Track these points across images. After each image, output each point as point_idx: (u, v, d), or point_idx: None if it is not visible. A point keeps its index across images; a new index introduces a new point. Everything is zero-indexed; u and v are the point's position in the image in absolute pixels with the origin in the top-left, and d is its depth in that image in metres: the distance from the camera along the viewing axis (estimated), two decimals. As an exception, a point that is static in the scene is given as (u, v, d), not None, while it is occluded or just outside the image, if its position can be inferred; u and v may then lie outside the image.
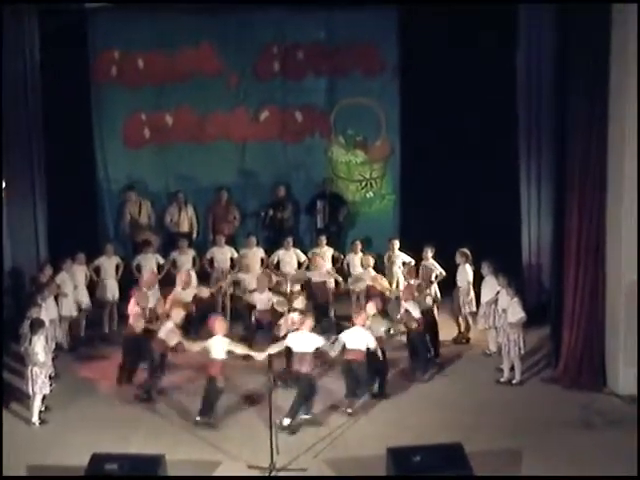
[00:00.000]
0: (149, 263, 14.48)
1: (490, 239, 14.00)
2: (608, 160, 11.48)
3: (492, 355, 13.03)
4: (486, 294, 13.01)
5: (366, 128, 15.88)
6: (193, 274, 14.18)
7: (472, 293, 13.55)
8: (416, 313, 12.13)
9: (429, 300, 12.87)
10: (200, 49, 15.36)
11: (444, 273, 13.70)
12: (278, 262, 14.73)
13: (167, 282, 14.01)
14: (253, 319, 12.84)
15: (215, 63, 15.44)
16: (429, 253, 14.03)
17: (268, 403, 9.79)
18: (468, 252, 13.54)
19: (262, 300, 12.93)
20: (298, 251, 14.86)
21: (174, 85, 15.45)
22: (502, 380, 12.18)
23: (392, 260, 14.52)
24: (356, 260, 14.65)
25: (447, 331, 13.70)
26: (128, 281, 14.22)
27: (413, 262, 14.16)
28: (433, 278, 13.70)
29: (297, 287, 13.61)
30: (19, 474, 9.57)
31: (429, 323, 12.61)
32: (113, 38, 15.20)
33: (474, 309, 13.53)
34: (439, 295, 13.63)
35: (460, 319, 13.77)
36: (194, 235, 15.63)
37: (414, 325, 12.03)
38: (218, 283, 14.25)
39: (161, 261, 14.65)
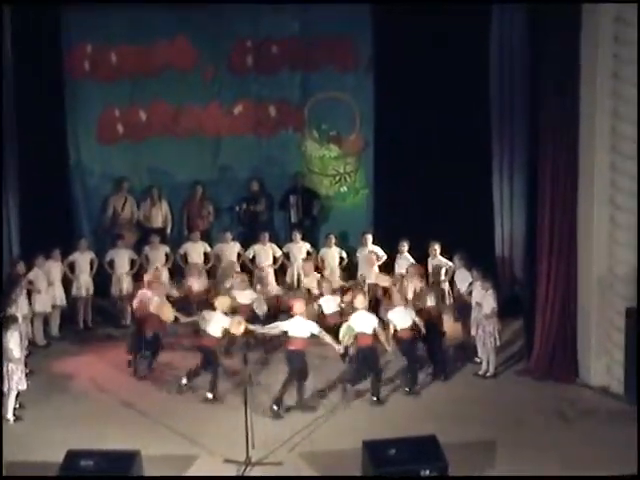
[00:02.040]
0: (122, 258, 14.48)
1: (463, 232, 14.06)
2: (580, 154, 11.60)
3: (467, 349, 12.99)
4: (459, 287, 13.15)
5: (340, 123, 15.81)
6: (165, 271, 14.35)
7: (447, 286, 13.66)
8: (404, 322, 11.78)
9: (430, 300, 12.52)
10: (175, 42, 15.19)
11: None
12: (254, 257, 14.79)
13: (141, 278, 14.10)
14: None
15: (190, 56, 15.29)
16: (404, 247, 14.10)
17: (244, 397, 9.84)
18: (438, 245, 13.72)
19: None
20: (274, 246, 14.89)
21: (148, 79, 15.31)
22: (480, 373, 12.26)
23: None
24: (330, 254, 14.73)
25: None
26: (103, 276, 14.32)
27: (385, 256, 14.32)
28: (443, 275, 13.68)
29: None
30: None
31: (429, 327, 12.13)
32: (86, 32, 15.01)
33: (448, 302, 13.62)
34: (447, 294, 13.67)
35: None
36: (168, 230, 15.52)
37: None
38: (187, 286, 14.21)
39: (134, 257, 14.63)
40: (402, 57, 14.56)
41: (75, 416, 10.98)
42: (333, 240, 14.84)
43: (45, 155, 14.68)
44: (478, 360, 12.48)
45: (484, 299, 12.09)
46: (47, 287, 13.57)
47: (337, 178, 16.18)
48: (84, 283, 14.24)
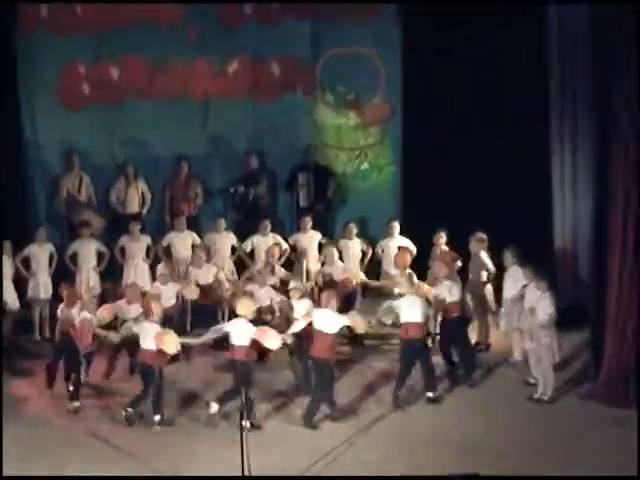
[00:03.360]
0: (87, 251, 14.51)
1: (514, 221, 14.19)
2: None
3: (517, 364, 13.08)
4: (509, 289, 13.11)
5: (360, 84, 15.92)
6: (146, 268, 14.54)
7: (491, 288, 13.66)
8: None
9: (455, 293, 12.85)
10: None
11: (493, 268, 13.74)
12: (252, 250, 14.84)
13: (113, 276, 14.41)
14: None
15: (172, 6, 15.56)
16: (441, 238, 14.15)
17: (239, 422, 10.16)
18: (485, 237, 13.67)
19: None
20: (278, 237, 14.90)
21: (120, 31, 15.52)
22: (535, 397, 12.22)
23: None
24: (349, 248, 14.81)
25: None
26: (62, 275, 14.24)
27: (415, 250, 14.42)
28: (485, 277, 13.86)
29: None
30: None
31: (451, 326, 12.62)
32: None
33: (494, 308, 13.64)
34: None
35: (477, 320, 13.84)
36: (144, 215, 15.73)
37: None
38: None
39: (102, 249, 14.67)
40: (437, 2, 14.53)
41: (32, 442, 11.21)
42: (354, 230, 14.88)
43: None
44: (532, 380, 12.45)
45: (539, 303, 12.07)
46: (-5, 288, 13.51)
47: (356, 152, 16.27)
48: (42, 282, 14.28)
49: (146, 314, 11.77)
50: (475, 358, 12.84)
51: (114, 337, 12.22)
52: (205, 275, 13.99)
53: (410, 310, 12.04)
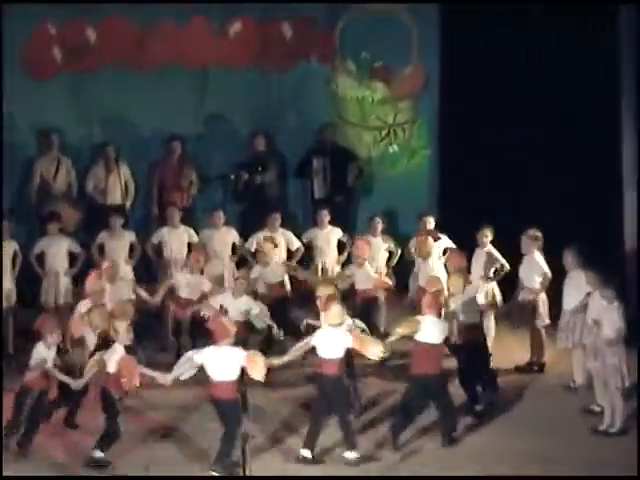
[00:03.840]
0: (57, 251, 14.12)
1: (575, 216, 14.17)
2: None
3: (578, 389, 12.71)
4: (570, 298, 12.75)
5: (389, 49, 15.72)
6: (128, 270, 14.08)
7: (545, 296, 13.32)
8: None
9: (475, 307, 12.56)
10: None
11: (507, 266, 13.64)
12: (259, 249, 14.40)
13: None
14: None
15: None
16: (486, 237, 13.77)
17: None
18: (540, 235, 13.30)
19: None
20: (289, 234, 14.62)
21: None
22: (601, 428, 11.69)
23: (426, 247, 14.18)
24: (373, 246, 14.37)
25: (508, 353, 13.55)
26: (28, 278, 14.10)
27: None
28: (491, 273, 13.67)
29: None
30: None
31: (472, 344, 12.22)
32: None
33: (547, 321, 13.30)
34: (500, 298, 13.63)
35: (529, 335, 13.56)
36: (128, 207, 15.45)
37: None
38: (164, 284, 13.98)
39: (76, 248, 14.26)
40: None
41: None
42: (380, 226, 14.50)
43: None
44: (597, 408, 11.95)
45: (605, 315, 11.64)
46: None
47: (384, 132, 16.06)
48: (5, 287, 13.83)
49: (220, 336, 10.74)
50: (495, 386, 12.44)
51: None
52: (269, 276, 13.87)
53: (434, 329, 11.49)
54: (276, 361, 11.17)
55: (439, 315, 11.40)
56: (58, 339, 11.24)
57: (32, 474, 10.62)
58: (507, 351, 13.53)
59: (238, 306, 12.66)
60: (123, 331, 10.94)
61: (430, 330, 11.30)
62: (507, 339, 13.80)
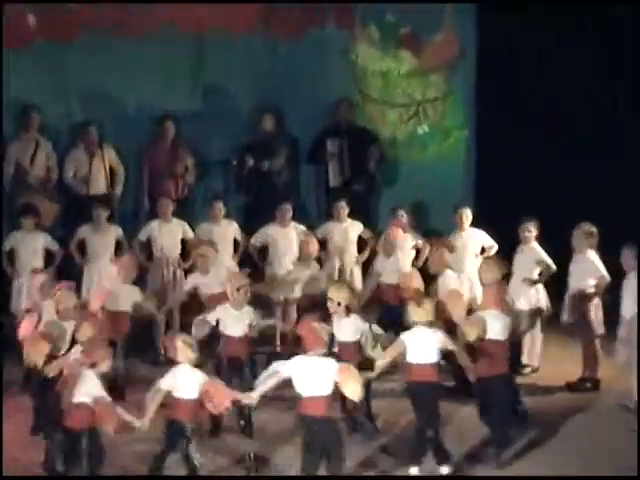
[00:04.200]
0: (30, 248, 13.82)
1: (637, 210, 14.03)
2: None
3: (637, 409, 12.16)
4: (629, 304, 12.31)
5: (417, 13, 15.45)
6: (114, 270, 13.38)
7: (599, 302, 12.95)
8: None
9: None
10: None
11: (554, 267, 13.26)
12: (266, 246, 14.26)
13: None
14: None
15: None
16: (530, 232, 13.38)
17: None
18: (595, 230, 12.98)
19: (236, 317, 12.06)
20: (301, 227, 14.31)
21: None
22: None
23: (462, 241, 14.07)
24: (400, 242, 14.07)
25: (556, 368, 13.21)
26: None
27: (495, 247, 13.94)
28: (536, 274, 13.32)
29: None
30: None
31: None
32: None
33: (602, 330, 12.90)
34: (547, 304, 13.26)
35: (582, 347, 13.18)
36: (114, 197, 15.28)
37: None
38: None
39: (53, 245, 13.94)
40: None
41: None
42: (405, 219, 14.05)
43: None
44: None
45: None
46: None
47: (411, 110, 15.99)
48: None
49: (310, 344, 10.33)
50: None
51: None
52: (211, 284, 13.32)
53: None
54: (372, 375, 10.86)
55: (502, 309, 10.92)
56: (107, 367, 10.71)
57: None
58: (556, 365, 13.24)
59: (241, 318, 11.89)
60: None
61: (496, 326, 10.86)
62: (556, 351, 13.50)
